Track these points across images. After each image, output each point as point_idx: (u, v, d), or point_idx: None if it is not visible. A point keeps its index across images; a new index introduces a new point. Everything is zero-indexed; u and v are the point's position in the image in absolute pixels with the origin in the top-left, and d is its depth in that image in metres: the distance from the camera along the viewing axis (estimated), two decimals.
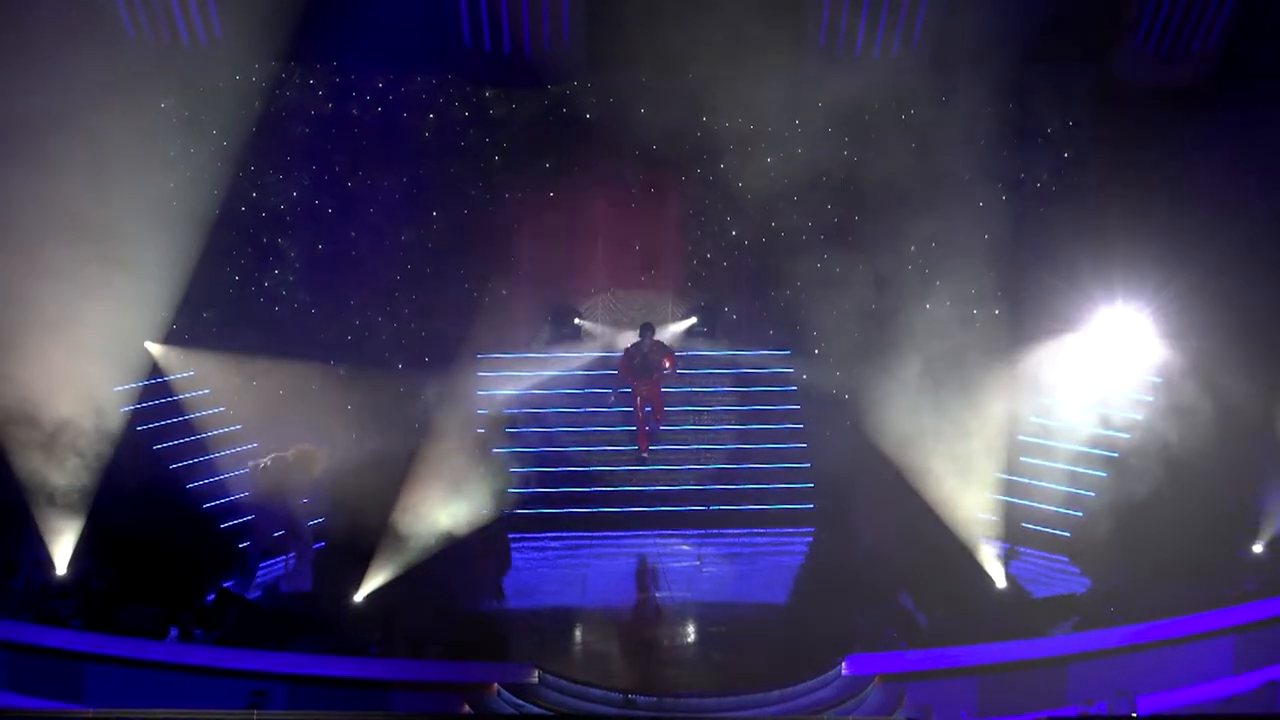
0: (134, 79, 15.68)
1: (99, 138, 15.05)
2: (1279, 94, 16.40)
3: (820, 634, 13.41)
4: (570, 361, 18.68)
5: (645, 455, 17.41)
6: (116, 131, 15.10)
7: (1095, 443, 16.58)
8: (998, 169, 17.48)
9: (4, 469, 14.60)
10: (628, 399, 17.13)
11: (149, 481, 15.46)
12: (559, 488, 17.36)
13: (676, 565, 15.84)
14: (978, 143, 17.02)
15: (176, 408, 17.13)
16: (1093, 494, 16.28)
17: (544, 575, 16.03)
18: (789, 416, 18.36)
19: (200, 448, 16.69)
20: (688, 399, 18.39)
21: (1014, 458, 16.59)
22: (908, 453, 15.91)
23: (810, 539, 16.77)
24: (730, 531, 17.01)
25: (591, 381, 18.46)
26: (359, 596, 14.22)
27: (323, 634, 13.26)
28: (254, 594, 14.58)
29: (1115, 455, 16.33)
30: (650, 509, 17.30)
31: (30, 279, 14.65)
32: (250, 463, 15.74)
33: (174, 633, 13.28)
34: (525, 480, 16.85)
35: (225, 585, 14.74)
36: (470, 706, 12.12)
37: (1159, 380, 16.19)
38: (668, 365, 16.90)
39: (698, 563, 15.88)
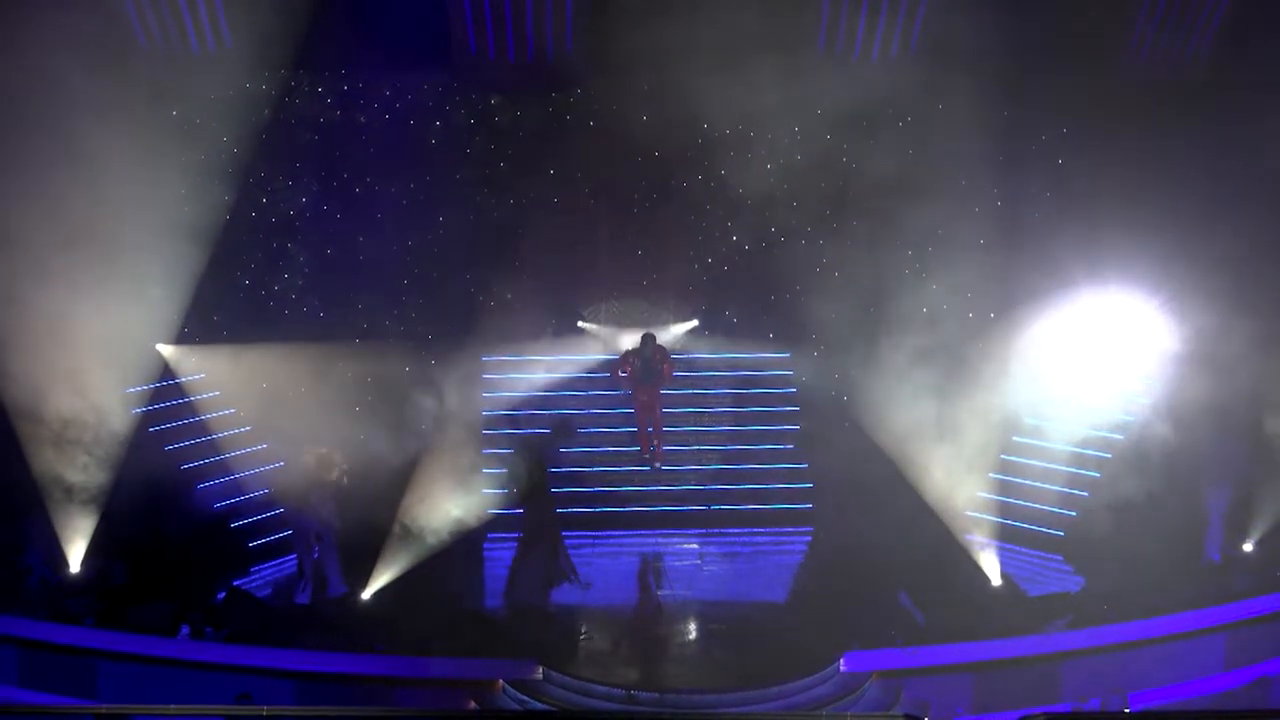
0: (146, 87, 15.85)
1: (111, 144, 15.16)
2: (1273, 96, 16.46)
3: (819, 632, 13.50)
4: (573, 363, 18.82)
5: (647, 457, 17.57)
6: (129, 138, 15.24)
7: (1089, 443, 16.73)
8: (995, 173, 17.61)
9: (19, 469, 14.73)
10: (630, 400, 17.33)
11: (160, 481, 15.56)
12: (560, 488, 17.48)
13: (678, 564, 16.00)
14: (975, 146, 17.14)
15: (187, 409, 17.22)
16: (1087, 493, 16.44)
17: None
18: (788, 417, 18.48)
19: (211, 448, 16.77)
20: (688, 400, 18.51)
21: (1009, 457, 16.74)
22: (905, 452, 16.03)
23: (809, 538, 16.91)
24: (730, 531, 17.17)
25: (594, 383, 18.65)
26: (366, 595, 14.39)
27: (330, 631, 13.39)
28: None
29: (1109, 456, 16.47)
30: (651, 509, 17.42)
31: (43, 283, 14.75)
32: (274, 468, 15.85)
33: (185, 630, 13.38)
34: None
35: (235, 584, 14.90)
36: (476, 703, 12.25)
37: (1152, 380, 16.29)
38: (666, 371, 17.12)
39: (699, 561, 16.03)
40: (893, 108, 18.04)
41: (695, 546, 16.60)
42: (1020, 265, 17.38)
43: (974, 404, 15.87)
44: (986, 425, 15.84)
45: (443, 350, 18.35)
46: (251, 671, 12.41)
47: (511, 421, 18.02)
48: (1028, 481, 16.85)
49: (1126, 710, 11.66)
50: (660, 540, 16.79)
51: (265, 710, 9.56)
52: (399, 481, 15.65)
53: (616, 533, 16.94)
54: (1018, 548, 16.06)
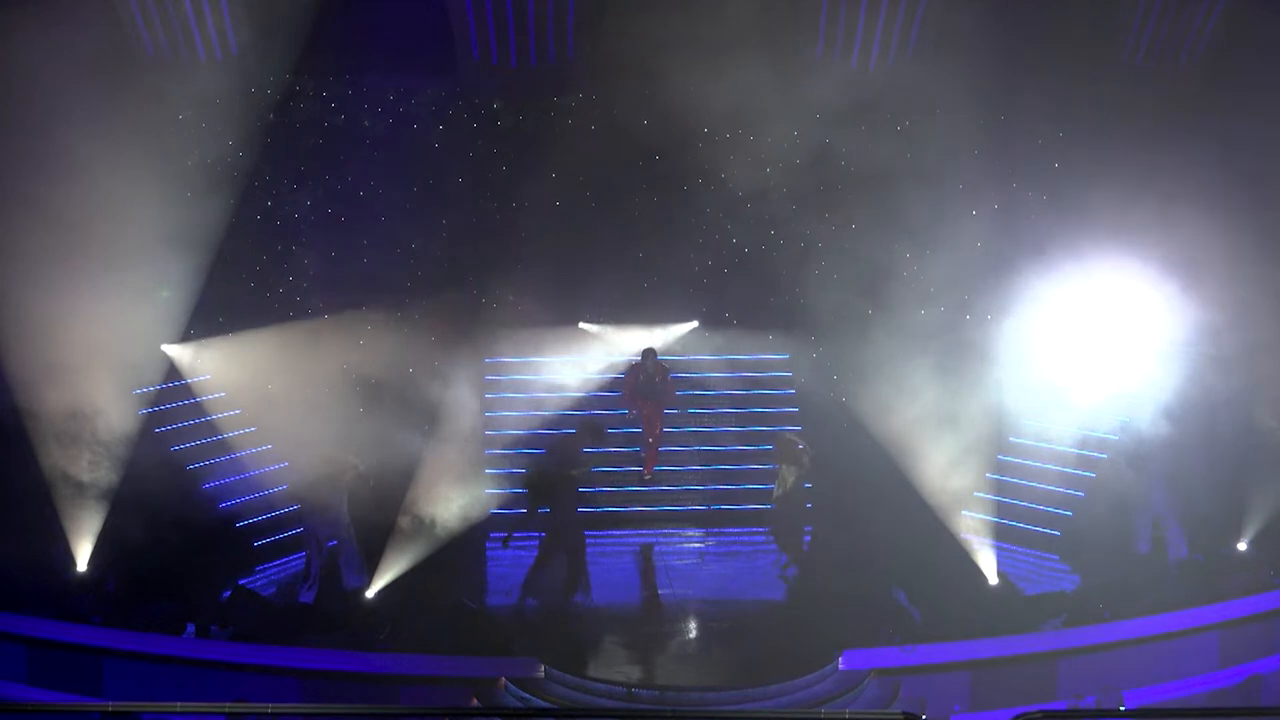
0: (152, 93, 15.98)
1: (117, 150, 15.31)
2: (1265, 105, 16.56)
3: (818, 630, 13.58)
4: (575, 366, 18.92)
5: (648, 477, 17.69)
6: (136, 143, 15.39)
7: (1085, 443, 16.84)
8: (991, 177, 17.73)
9: (26, 469, 14.86)
10: (637, 419, 17.46)
11: (167, 481, 15.63)
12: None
13: (678, 563, 16.11)
14: (972, 151, 17.25)
15: (193, 410, 17.31)
16: (1082, 494, 16.55)
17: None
18: (788, 419, 18.58)
19: (216, 448, 16.88)
20: (689, 401, 18.60)
21: (1006, 457, 16.85)
22: (904, 452, 16.13)
23: (809, 538, 17.02)
24: (731, 530, 17.29)
25: (596, 385, 18.76)
26: (370, 593, 14.51)
27: (334, 630, 13.50)
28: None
29: (1104, 456, 16.58)
30: (653, 508, 17.55)
31: (48, 287, 14.93)
32: (280, 468, 15.94)
33: (191, 629, 13.46)
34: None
35: (241, 583, 15.02)
36: (478, 700, 12.32)
37: (1148, 380, 16.37)
38: (669, 390, 17.23)
39: (700, 560, 16.14)
40: (891, 110, 18.12)
41: (695, 546, 16.69)
42: (1019, 266, 17.45)
43: (972, 405, 15.97)
44: (984, 425, 15.94)
45: (445, 352, 18.45)
46: (256, 670, 12.50)
47: (519, 424, 18.10)
48: (1024, 481, 16.96)
49: (1121, 708, 11.74)
50: (661, 539, 16.89)
51: (270, 708, 9.67)
52: (403, 481, 15.75)
53: (617, 532, 17.04)
54: (1014, 547, 16.15)
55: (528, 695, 12.46)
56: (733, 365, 19.14)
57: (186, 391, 17.49)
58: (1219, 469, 15.41)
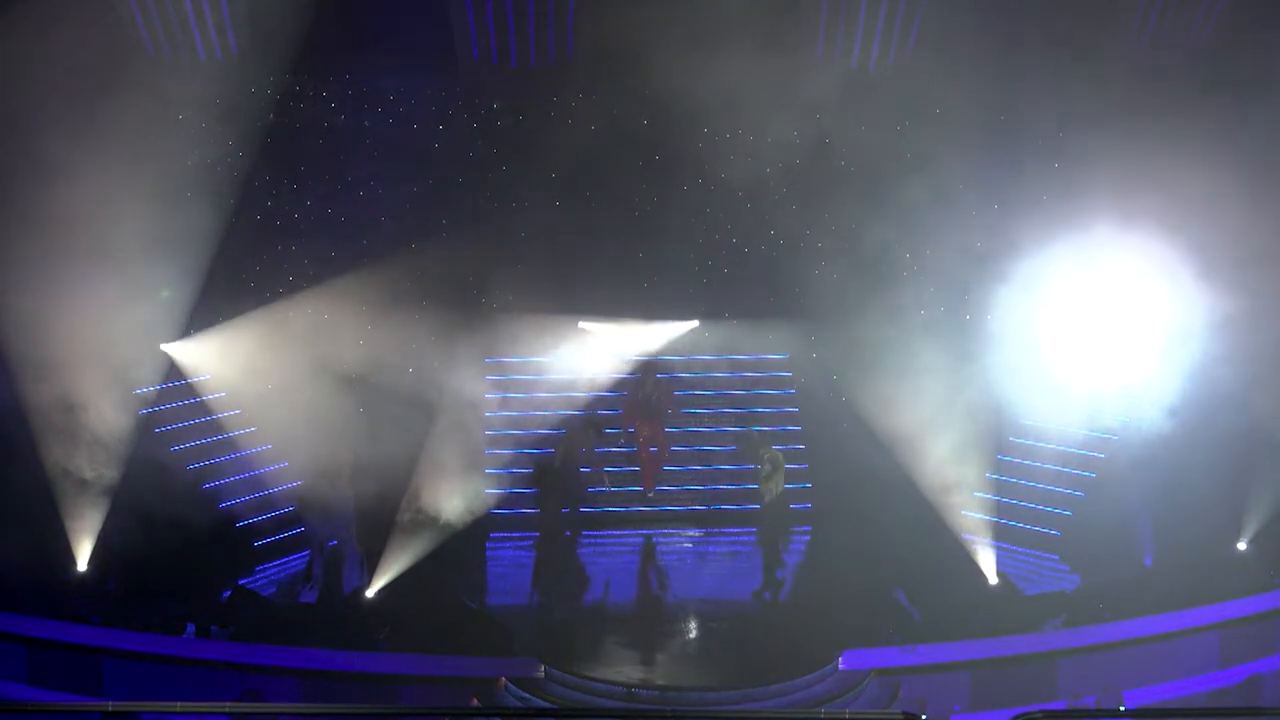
0: (153, 93, 15.99)
1: (118, 150, 15.34)
2: (1274, 89, 16.46)
3: (817, 630, 13.63)
4: (575, 366, 18.92)
5: (651, 495, 17.68)
6: (136, 144, 15.40)
7: (1084, 444, 16.84)
8: (992, 176, 17.74)
9: (26, 469, 14.88)
10: (633, 439, 17.46)
11: (167, 481, 15.67)
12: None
13: (678, 563, 16.13)
14: (972, 150, 17.25)
15: (193, 409, 17.32)
16: (1082, 494, 16.56)
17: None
18: (788, 418, 18.60)
19: (216, 448, 16.90)
20: (689, 401, 18.61)
21: (1006, 457, 16.85)
22: (904, 452, 16.14)
23: (808, 538, 17.06)
24: (730, 530, 17.31)
25: (596, 385, 18.74)
26: (370, 592, 14.52)
27: (334, 629, 13.52)
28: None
29: (1103, 456, 16.58)
30: (652, 508, 17.57)
31: (49, 285, 14.95)
32: (280, 468, 15.95)
33: (191, 629, 13.51)
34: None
35: (241, 583, 15.03)
36: (479, 700, 12.37)
37: (1146, 381, 16.37)
38: (671, 407, 17.23)
39: (700, 560, 16.09)
40: (891, 109, 18.13)
41: (695, 546, 16.70)
42: (1020, 265, 17.44)
43: (973, 405, 15.98)
44: (985, 425, 15.94)
45: (446, 352, 18.44)
46: (256, 669, 12.53)
47: (520, 423, 18.11)
48: (1024, 481, 16.96)
49: (1121, 708, 11.76)
50: (661, 539, 16.89)
51: (270, 708, 9.69)
52: (403, 481, 15.76)
53: (618, 531, 17.06)
54: (1014, 547, 16.18)
55: (528, 695, 12.51)
56: (733, 365, 19.15)
57: (186, 391, 17.50)
58: (1219, 469, 15.38)
